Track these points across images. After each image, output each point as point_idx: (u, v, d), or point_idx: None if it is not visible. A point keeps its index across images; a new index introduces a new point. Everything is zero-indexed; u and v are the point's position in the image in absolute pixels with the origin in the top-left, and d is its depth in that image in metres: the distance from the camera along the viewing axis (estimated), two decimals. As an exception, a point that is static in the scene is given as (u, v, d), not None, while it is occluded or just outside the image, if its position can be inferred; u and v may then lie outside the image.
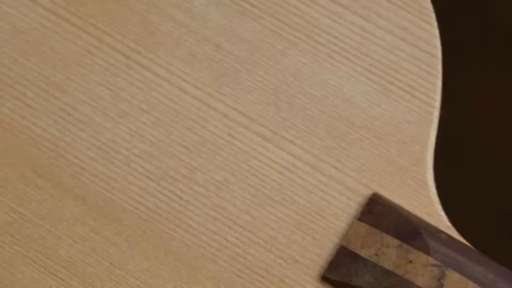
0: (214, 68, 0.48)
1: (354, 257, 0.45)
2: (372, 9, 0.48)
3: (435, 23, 0.48)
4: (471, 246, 0.46)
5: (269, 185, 0.46)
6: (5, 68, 0.48)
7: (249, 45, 0.48)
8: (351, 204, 0.46)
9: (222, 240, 0.46)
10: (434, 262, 0.44)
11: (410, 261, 0.44)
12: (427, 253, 0.44)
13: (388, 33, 0.48)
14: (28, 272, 0.45)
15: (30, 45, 0.48)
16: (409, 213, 0.45)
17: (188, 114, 0.47)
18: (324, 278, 0.44)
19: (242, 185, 0.47)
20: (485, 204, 0.97)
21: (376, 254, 0.45)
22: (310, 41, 0.48)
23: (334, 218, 0.46)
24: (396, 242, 0.45)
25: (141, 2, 0.49)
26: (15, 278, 0.45)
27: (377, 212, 0.46)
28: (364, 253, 0.45)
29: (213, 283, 0.45)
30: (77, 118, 0.47)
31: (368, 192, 0.46)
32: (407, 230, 0.45)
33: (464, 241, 0.45)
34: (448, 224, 0.45)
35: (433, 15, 0.48)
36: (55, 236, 0.46)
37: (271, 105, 0.47)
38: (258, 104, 0.47)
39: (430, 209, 0.46)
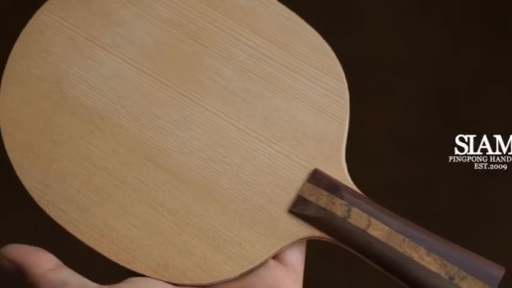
0: (236, 105, 0.59)
1: (305, 201, 0.57)
2: (315, 76, 0.60)
3: (345, 81, 0.59)
4: (365, 195, 0.57)
5: (262, 165, 0.58)
6: (130, 106, 0.59)
7: (253, 94, 0.60)
8: (304, 174, 0.58)
9: (238, 192, 0.58)
10: (345, 203, 0.56)
11: (334, 203, 0.56)
12: (342, 199, 0.56)
13: (321, 88, 0.60)
14: (141, 208, 0.57)
15: (141, 94, 0.59)
16: (333, 178, 0.57)
17: (221, 128, 0.59)
18: (290, 211, 0.56)
19: (249, 165, 0.58)
20: (373, 177, 1.15)
21: (316, 199, 0.57)
22: (283, 92, 0.60)
23: (295, 181, 0.58)
24: (326, 193, 0.57)
25: (198, 72, 0.60)
26: (134, 210, 0.57)
27: (317, 178, 0.57)
28: (310, 199, 0.57)
29: (235, 213, 0.57)
30: (166, 131, 0.59)
31: (312, 168, 0.58)
32: (333, 187, 0.57)
33: (361, 193, 0.57)
34: (352, 183, 0.57)
35: (344, 78, 0.59)
36: (154, 189, 0.57)
37: (264, 124, 0.59)
38: (257, 123, 0.59)
39: (344, 177, 0.58)
